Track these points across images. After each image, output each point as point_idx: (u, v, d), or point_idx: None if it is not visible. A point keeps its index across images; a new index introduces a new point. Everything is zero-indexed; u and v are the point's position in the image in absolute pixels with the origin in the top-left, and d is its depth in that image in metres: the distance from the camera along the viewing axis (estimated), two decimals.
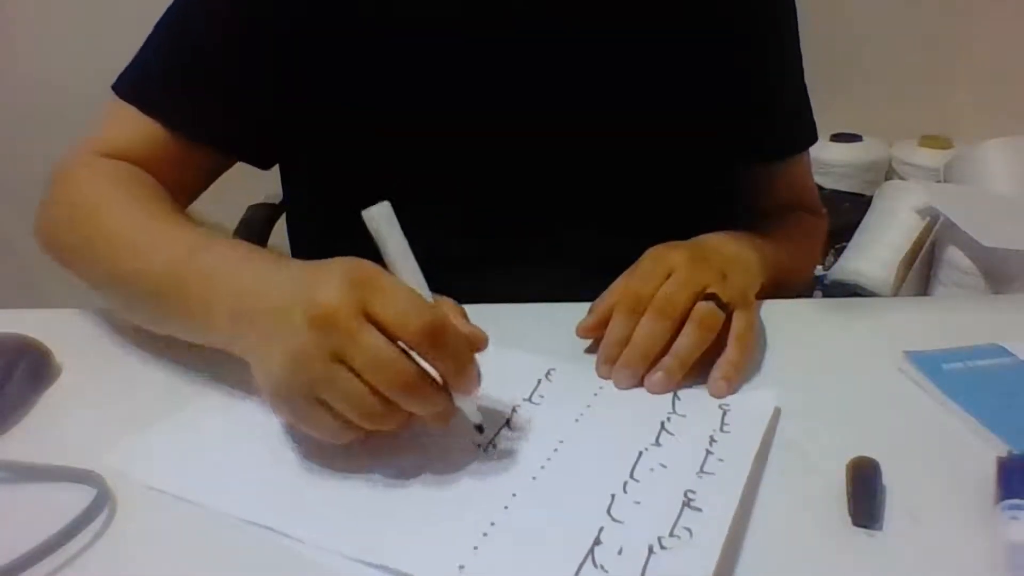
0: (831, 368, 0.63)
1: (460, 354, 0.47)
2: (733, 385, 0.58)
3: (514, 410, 0.56)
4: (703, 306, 0.59)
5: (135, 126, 0.69)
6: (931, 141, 1.87)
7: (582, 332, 0.63)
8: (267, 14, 0.68)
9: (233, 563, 0.44)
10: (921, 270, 1.48)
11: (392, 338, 0.45)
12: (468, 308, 0.68)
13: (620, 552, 0.43)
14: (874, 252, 1.54)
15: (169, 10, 0.71)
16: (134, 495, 0.48)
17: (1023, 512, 0.45)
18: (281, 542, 0.45)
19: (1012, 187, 1.57)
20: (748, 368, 0.60)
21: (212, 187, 0.75)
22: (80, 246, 0.63)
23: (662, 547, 0.44)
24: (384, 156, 0.72)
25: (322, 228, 0.79)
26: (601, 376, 0.60)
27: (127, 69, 0.71)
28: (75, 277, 0.64)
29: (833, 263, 1.64)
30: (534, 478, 0.49)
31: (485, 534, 0.45)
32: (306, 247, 0.85)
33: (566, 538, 0.44)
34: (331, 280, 0.46)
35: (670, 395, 0.58)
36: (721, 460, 0.51)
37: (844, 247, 1.64)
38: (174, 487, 0.49)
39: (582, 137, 0.73)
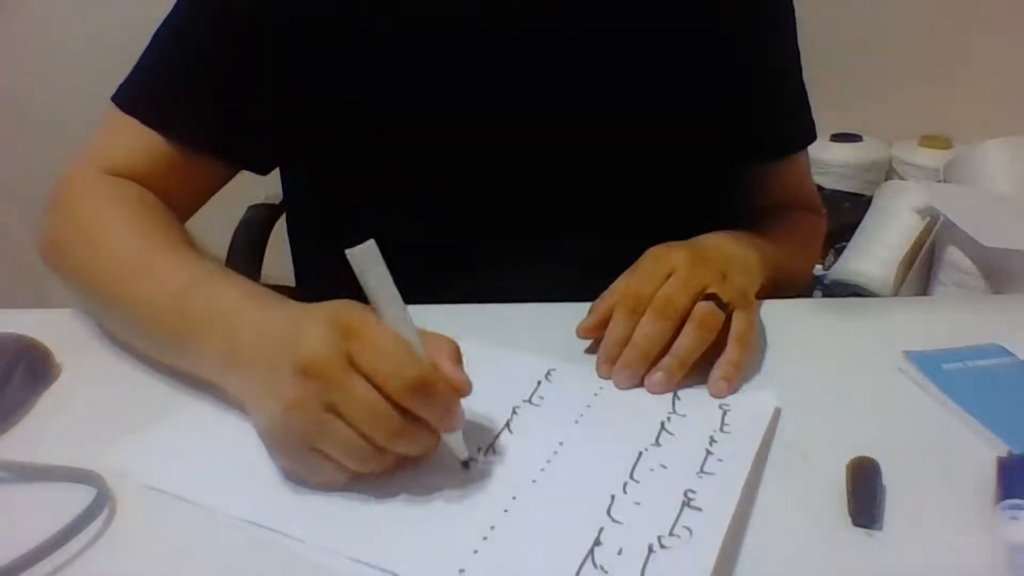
0: (831, 368, 0.63)
1: (444, 402, 0.47)
2: (733, 385, 0.58)
3: (514, 411, 0.55)
4: (703, 306, 0.59)
5: (135, 138, 0.69)
6: (931, 141, 1.87)
7: (582, 332, 0.63)
8: (267, 15, 0.68)
9: (233, 563, 0.44)
10: (921, 270, 1.48)
11: (379, 388, 0.45)
12: (468, 308, 0.69)
13: (620, 552, 0.43)
14: (874, 252, 1.54)
15: (166, 21, 0.71)
16: (134, 495, 0.48)
17: (1023, 512, 0.45)
18: (281, 542, 0.45)
19: (1012, 187, 1.57)
20: (748, 368, 0.60)
21: None
22: (82, 271, 0.63)
23: (662, 546, 0.44)
24: (384, 156, 0.72)
25: (322, 228, 0.79)
26: (601, 376, 0.60)
27: (126, 81, 0.71)
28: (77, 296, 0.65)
29: (833, 263, 1.64)
30: (534, 481, 0.49)
31: (485, 537, 0.45)
32: (306, 247, 0.85)
33: (566, 540, 0.44)
34: (316, 329, 0.46)
35: (670, 395, 0.58)
36: (721, 460, 0.51)
37: (844, 247, 1.64)
38: (174, 487, 0.49)
39: (582, 137, 0.73)
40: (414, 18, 0.69)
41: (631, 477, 0.49)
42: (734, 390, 0.58)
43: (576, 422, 0.55)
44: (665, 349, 0.59)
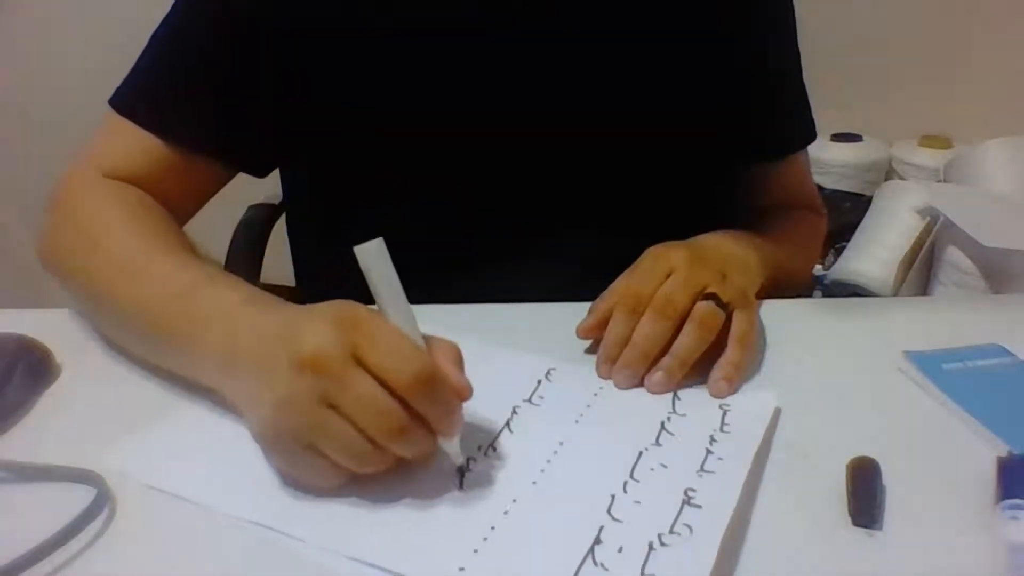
0: (831, 368, 0.63)
1: (447, 401, 0.46)
2: (733, 385, 0.58)
3: (514, 411, 0.55)
4: (703, 306, 0.59)
5: (134, 140, 0.68)
6: (931, 141, 1.87)
7: (582, 332, 0.63)
8: (267, 15, 0.68)
9: (233, 563, 0.44)
10: (921, 270, 1.48)
11: (382, 384, 0.44)
12: (468, 308, 0.69)
13: (620, 550, 0.43)
14: (874, 252, 1.55)
15: (164, 22, 0.70)
16: (134, 495, 0.48)
17: (1023, 512, 0.45)
18: (281, 542, 0.45)
19: (1012, 187, 1.57)
20: (748, 368, 0.60)
21: None
22: (80, 273, 0.63)
23: (662, 544, 0.44)
24: (384, 156, 0.72)
25: (322, 228, 0.79)
26: (601, 376, 0.60)
27: (124, 82, 0.70)
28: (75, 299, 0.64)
29: (833, 263, 1.64)
30: (534, 481, 0.49)
31: (485, 537, 0.45)
32: (306, 247, 0.85)
33: (566, 538, 0.44)
34: (319, 324, 0.45)
35: (670, 395, 0.58)
36: (721, 459, 0.51)
37: (844, 247, 1.64)
38: (174, 487, 0.49)
39: (582, 137, 0.73)
40: (414, 18, 0.69)
41: (631, 476, 0.49)
42: (734, 390, 0.58)
43: (576, 422, 0.55)
44: (665, 349, 0.59)
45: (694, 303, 0.59)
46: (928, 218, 1.49)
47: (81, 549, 0.44)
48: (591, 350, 0.63)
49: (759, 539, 0.46)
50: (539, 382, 0.59)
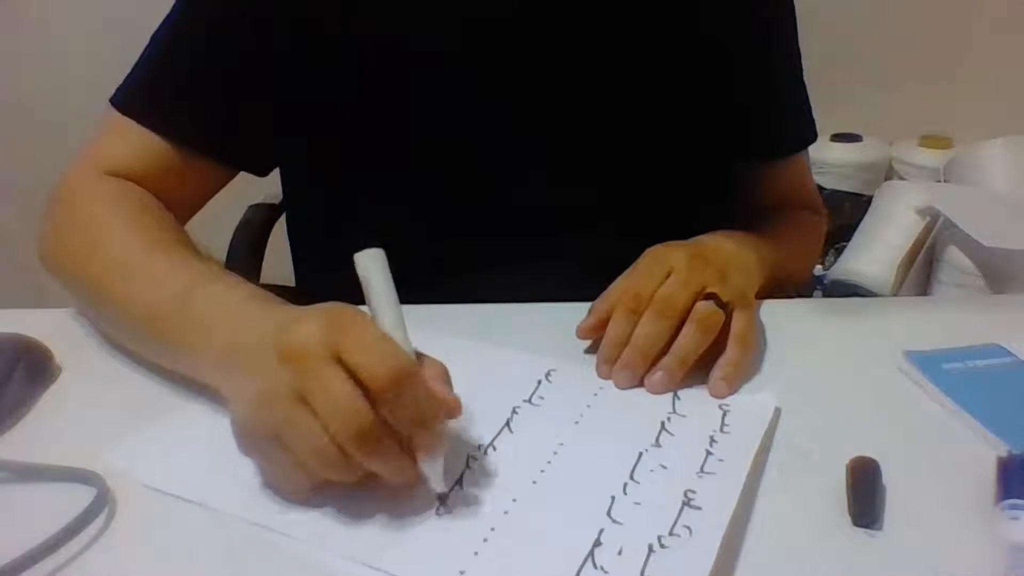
0: (831, 368, 0.63)
1: (426, 409, 0.45)
2: (733, 385, 0.58)
3: (514, 411, 0.55)
4: (703, 306, 0.59)
5: (134, 140, 0.68)
6: (931, 141, 1.87)
7: (582, 333, 0.63)
8: (266, 15, 0.68)
9: (233, 563, 0.44)
10: (921, 270, 1.48)
11: (360, 385, 0.43)
12: (468, 308, 0.69)
13: (620, 553, 0.43)
14: (874, 252, 1.54)
15: (165, 21, 0.70)
16: (134, 495, 0.48)
17: (1023, 512, 0.45)
18: (281, 543, 0.45)
19: (1012, 187, 1.57)
20: (748, 368, 0.60)
21: None
22: (81, 271, 0.63)
23: (662, 546, 0.44)
24: (384, 156, 0.72)
25: (322, 228, 0.79)
26: (601, 376, 0.60)
27: (124, 82, 0.70)
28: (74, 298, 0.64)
29: (833, 263, 1.64)
30: (534, 482, 0.49)
31: (485, 539, 0.45)
32: (306, 247, 0.85)
33: (566, 541, 0.44)
34: (307, 322, 0.45)
35: (670, 395, 0.58)
36: (721, 460, 0.51)
37: (844, 247, 1.64)
38: (174, 487, 0.48)
39: (582, 137, 0.73)
40: (414, 18, 0.69)
41: (631, 478, 0.49)
42: (734, 390, 0.58)
43: (576, 422, 0.55)
44: (665, 349, 0.59)
45: (694, 303, 0.59)
46: (928, 218, 1.49)
47: (81, 549, 0.44)
48: (591, 350, 0.63)
49: (759, 539, 0.46)
50: (539, 382, 0.59)
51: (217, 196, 0.75)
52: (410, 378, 0.43)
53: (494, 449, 0.52)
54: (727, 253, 0.67)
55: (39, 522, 0.44)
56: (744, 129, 0.80)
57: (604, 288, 0.64)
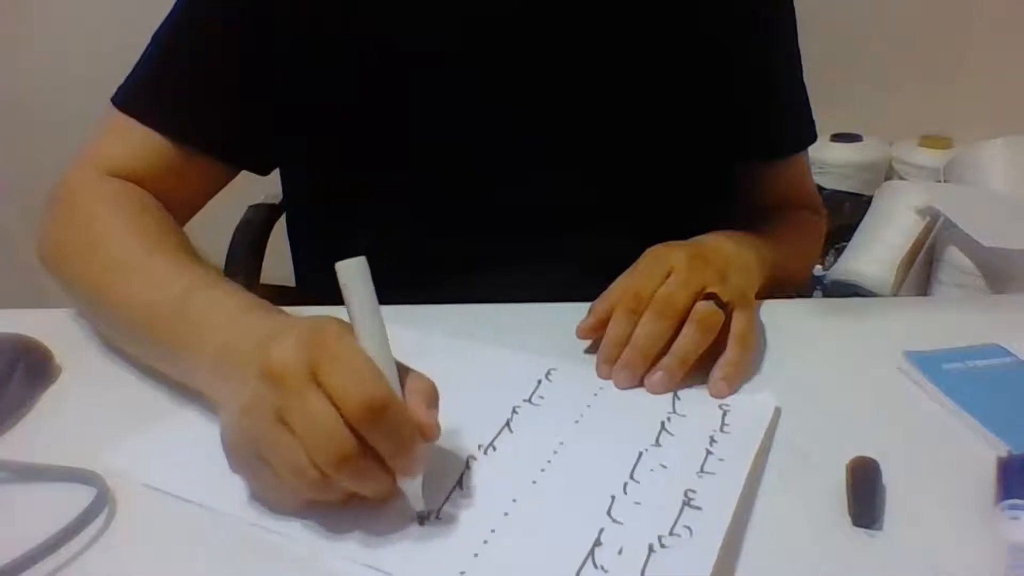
0: (831, 368, 0.63)
1: (402, 436, 0.43)
2: (733, 385, 0.58)
3: (514, 411, 0.55)
4: (703, 306, 0.59)
5: (135, 139, 0.68)
6: (931, 141, 1.87)
7: (582, 333, 0.63)
8: (267, 14, 0.68)
9: (233, 563, 0.44)
10: (921, 270, 1.48)
11: (337, 407, 0.42)
12: (468, 308, 0.68)
13: (620, 552, 0.43)
14: (874, 252, 1.54)
15: (166, 21, 0.70)
16: (134, 495, 0.48)
17: (1023, 512, 0.45)
18: (281, 543, 0.45)
19: (1012, 187, 1.57)
20: (748, 368, 0.60)
21: None
22: (79, 272, 0.62)
23: (662, 546, 0.44)
24: (384, 156, 0.72)
25: (322, 228, 0.79)
26: (601, 376, 0.60)
27: (125, 81, 0.70)
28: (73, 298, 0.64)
29: (833, 263, 1.64)
30: (534, 482, 0.49)
31: (485, 541, 0.45)
32: (306, 247, 0.85)
33: (566, 541, 0.44)
34: (289, 338, 0.44)
35: (670, 395, 0.58)
36: (721, 460, 0.51)
37: (844, 247, 1.64)
38: (174, 487, 0.49)
39: (581, 137, 0.73)
40: (414, 19, 0.69)
41: (631, 477, 0.49)
42: (734, 390, 0.58)
43: (576, 422, 0.55)
44: (665, 349, 0.59)
45: (694, 303, 0.59)
46: (928, 218, 1.49)
47: (81, 549, 0.44)
48: (591, 350, 0.63)
49: (759, 539, 0.46)
50: (539, 382, 0.59)
51: (217, 196, 0.75)
52: (384, 407, 0.42)
53: (494, 449, 0.52)
54: (727, 253, 0.67)
55: (39, 522, 0.44)
56: (744, 129, 0.80)
57: (604, 288, 0.64)
